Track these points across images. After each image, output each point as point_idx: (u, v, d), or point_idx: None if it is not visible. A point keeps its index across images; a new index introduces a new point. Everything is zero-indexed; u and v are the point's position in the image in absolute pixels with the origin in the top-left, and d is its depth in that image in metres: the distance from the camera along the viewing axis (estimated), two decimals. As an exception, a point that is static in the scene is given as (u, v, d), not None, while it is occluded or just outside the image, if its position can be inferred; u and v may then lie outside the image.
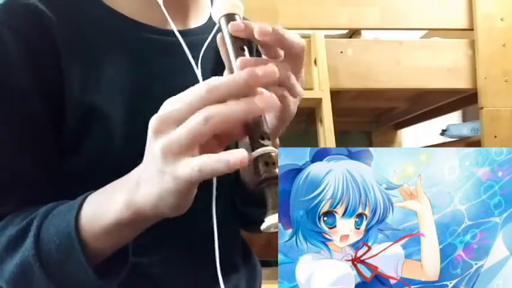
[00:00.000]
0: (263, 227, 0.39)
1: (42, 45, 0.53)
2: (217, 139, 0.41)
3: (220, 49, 0.48)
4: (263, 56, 0.49)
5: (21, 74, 0.52)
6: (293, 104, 0.49)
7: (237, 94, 0.39)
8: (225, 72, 0.51)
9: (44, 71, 0.53)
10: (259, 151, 0.39)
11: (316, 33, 1.60)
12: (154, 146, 0.40)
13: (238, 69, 0.44)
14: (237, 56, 0.45)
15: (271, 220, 0.38)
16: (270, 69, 0.40)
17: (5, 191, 0.53)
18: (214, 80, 0.39)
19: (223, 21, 0.47)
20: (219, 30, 0.49)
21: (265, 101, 0.39)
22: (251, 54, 0.47)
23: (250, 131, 0.41)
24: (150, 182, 0.41)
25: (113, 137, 0.54)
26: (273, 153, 0.40)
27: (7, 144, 0.53)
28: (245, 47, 0.46)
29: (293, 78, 0.47)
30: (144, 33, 0.60)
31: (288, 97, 0.48)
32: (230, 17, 0.47)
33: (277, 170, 0.39)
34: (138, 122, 0.54)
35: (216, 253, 0.52)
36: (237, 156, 0.37)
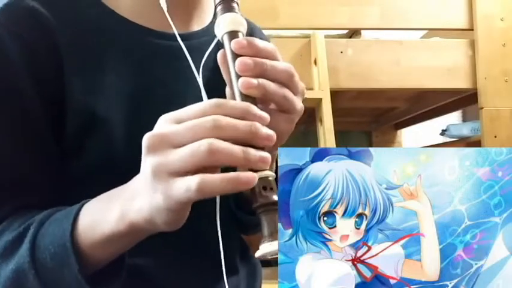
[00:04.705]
0: (258, 254, 0.38)
1: (42, 49, 0.53)
2: None
3: (221, 66, 0.47)
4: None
5: (21, 76, 0.52)
6: (290, 121, 0.48)
7: (240, 139, 0.39)
8: (227, 89, 0.49)
9: (44, 74, 0.53)
10: (257, 175, 0.38)
11: (316, 33, 1.60)
12: (146, 163, 0.39)
13: (240, 89, 0.43)
14: (238, 76, 0.44)
15: (266, 248, 0.37)
16: (271, 135, 0.40)
17: (3, 194, 0.52)
18: (222, 118, 0.39)
19: (226, 38, 0.46)
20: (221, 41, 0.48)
21: (264, 160, 0.39)
22: None
23: None
24: (142, 197, 0.41)
25: (113, 142, 0.54)
26: (270, 178, 0.39)
27: (6, 147, 0.52)
28: None
29: (290, 96, 0.46)
30: (146, 37, 0.59)
31: (282, 123, 0.47)
32: (233, 35, 0.46)
33: (275, 196, 0.39)
34: (139, 127, 0.54)
35: (222, 256, 0.52)
36: (246, 176, 0.37)
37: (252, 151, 0.38)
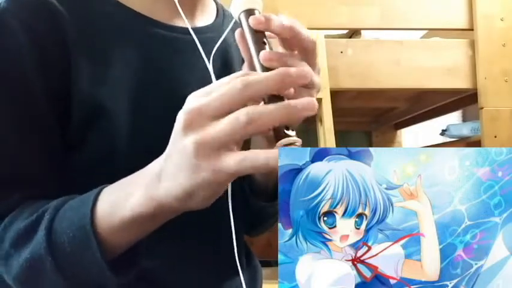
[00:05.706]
0: None
1: (51, 39, 0.53)
2: None
3: (239, 44, 0.48)
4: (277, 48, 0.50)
5: (28, 66, 0.52)
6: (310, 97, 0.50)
7: (272, 92, 0.40)
8: (244, 66, 0.51)
9: (52, 65, 0.53)
10: (285, 141, 0.40)
11: (316, 33, 1.60)
12: (184, 141, 0.39)
13: (262, 62, 0.45)
14: (258, 50, 0.45)
15: None
16: (303, 71, 0.41)
17: (9, 185, 0.52)
18: (250, 78, 0.39)
19: (243, 17, 0.48)
20: (234, 27, 0.49)
21: (305, 107, 0.39)
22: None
23: None
24: (176, 176, 0.40)
25: (117, 133, 0.54)
26: (297, 144, 0.40)
27: (11, 137, 0.52)
28: (266, 41, 0.47)
29: (308, 69, 0.48)
30: (152, 28, 0.60)
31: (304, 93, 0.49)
32: (250, 12, 0.48)
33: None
34: (144, 118, 0.54)
35: (235, 249, 0.51)
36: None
37: (286, 103, 0.39)
